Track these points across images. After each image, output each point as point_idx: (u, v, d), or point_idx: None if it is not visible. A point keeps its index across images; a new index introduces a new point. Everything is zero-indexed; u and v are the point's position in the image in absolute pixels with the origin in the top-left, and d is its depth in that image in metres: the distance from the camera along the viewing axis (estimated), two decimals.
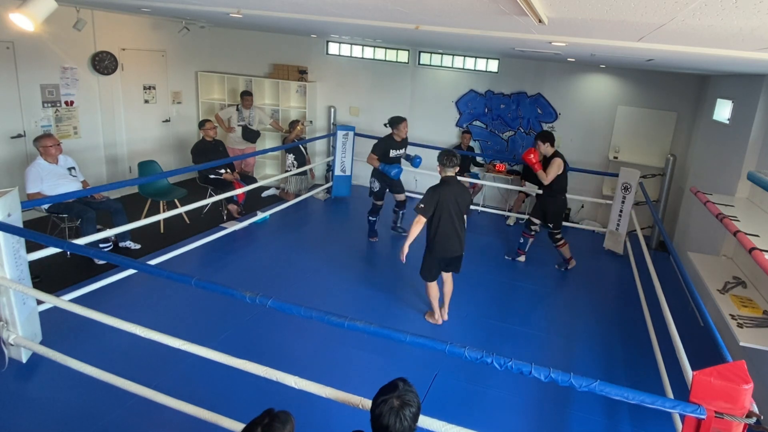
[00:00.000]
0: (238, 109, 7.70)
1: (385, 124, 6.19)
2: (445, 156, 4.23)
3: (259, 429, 1.60)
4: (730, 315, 3.32)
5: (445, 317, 4.66)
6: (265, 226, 6.73)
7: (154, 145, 7.84)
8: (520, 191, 7.65)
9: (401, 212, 6.67)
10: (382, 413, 1.75)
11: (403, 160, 6.26)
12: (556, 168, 5.56)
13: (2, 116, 5.79)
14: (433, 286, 4.50)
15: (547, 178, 5.57)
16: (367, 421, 1.83)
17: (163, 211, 5.78)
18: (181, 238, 5.91)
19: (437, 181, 4.34)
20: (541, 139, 5.66)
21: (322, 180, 8.82)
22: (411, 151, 8.02)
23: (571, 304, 5.28)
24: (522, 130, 8.05)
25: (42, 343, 3.57)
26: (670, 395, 3.28)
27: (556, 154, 5.64)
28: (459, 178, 7.71)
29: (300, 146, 7.69)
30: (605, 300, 5.50)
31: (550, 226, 5.86)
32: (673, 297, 4.54)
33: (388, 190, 6.35)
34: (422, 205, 4.12)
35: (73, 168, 5.32)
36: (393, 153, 6.04)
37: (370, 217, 6.43)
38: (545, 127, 7.89)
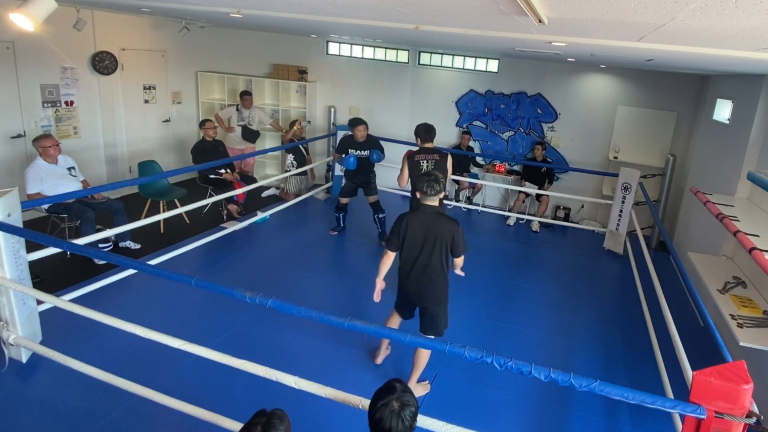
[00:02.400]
0: (237, 109, 7.70)
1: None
2: (426, 182, 3.28)
3: (259, 428, 1.59)
4: (730, 315, 3.32)
5: (414, 386, 3.54)
6: (265, 226, 6.73)
7: (154, 145, 7.84)
8: (520, 191, 7.65)
9: (377, 217, 6.29)
10: (383, 417, 1.75)
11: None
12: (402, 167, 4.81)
13: (2, 116, 5.79)
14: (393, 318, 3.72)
15: (401, 181, 4.88)
16: (367, 421, 1.83)
17: (163, 211, 5.78)
18: (181, 238, 5.91)
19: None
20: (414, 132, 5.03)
21: (322, 180, 8.82)
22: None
23: (571, 304, 5.28)
24: (522, 130, 8.05)
25: (42, 343, 3.56)
26: (670, 395, 3.29)
27: (416, 151, 4.84)
28: (460, 178, 7.83)
29: (300, 146, 7.69)
30: (605, 300, 5.50)
31: None
32: (673, 297, 4.55)
33: (361, 190, 6.30)
34: (389, 237, 3.45)
35: (73, 168, 5.32)
36: (352, 152, 5.99)
37: (335, 213, 6.54)
38: (546, 127, 7.90)
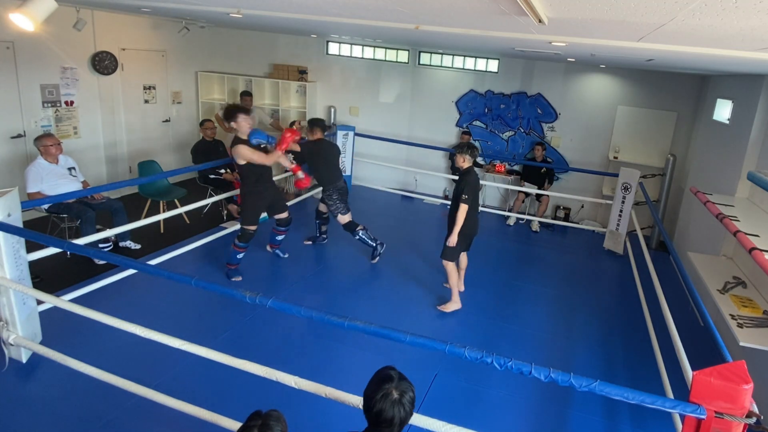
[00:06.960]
0: None
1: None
2: (468, 147, 4.66)
3: (256, 430, 1.59)
4: (730, 315, 3.32)
5: (462, 288, 5.09)
6: (264, 225, 6.71)
7: (154, 145, 7.84)
8: (519, 191, 7.64)
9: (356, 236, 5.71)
10: (384, 409, 1.71)
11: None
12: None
13: (2, 116, 5.79)
14: (455, 268, 4.86)
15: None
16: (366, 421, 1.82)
17: (163, 211, 5.78)
18: (181, 238, 5.91)
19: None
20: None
21: None
22: (414, 151, 8.01)
23: (571, 304, 5.28)
24: (522, 130, 8.05)
25: (42, 343, 3.56)
26: (670, 395, 3.28)
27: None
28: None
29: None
30: (605, 300, 5.50)
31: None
32: (673, 297, 4.54)
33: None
34: (465, 196, 4.52)
35: (73, 168, 5.32)
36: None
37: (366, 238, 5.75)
38: (546, 127, 7.90)
